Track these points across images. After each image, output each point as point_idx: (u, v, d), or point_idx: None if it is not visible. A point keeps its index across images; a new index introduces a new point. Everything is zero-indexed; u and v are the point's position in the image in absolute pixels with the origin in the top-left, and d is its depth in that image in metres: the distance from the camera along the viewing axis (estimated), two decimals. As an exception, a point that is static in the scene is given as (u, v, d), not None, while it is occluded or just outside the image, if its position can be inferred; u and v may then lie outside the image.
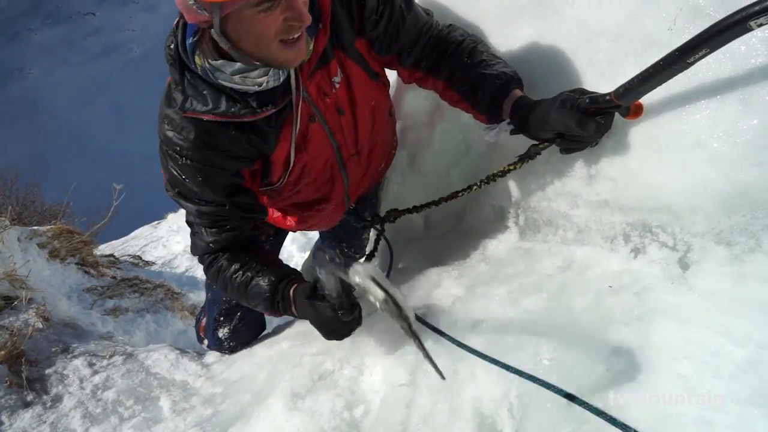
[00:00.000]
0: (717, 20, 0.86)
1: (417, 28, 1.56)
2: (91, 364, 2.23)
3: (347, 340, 1.58)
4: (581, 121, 1.17)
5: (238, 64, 1.32)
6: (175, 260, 6.55)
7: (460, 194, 1.69)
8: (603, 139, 1.25)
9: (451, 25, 1.62)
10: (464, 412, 1.13)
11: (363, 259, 2.41)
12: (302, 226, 2.08)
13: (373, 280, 0.98)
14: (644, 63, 1.02)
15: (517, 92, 1.42)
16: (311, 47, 1.39)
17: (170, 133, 1.45)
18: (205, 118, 1.39)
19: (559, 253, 1.46)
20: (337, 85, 1.54)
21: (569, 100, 1.20)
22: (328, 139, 1.62)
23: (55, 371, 2.17)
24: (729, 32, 0.85)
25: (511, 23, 1.57)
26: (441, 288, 1.61)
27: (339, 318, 1.37)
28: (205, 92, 1.38)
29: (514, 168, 1.47)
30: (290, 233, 2.53)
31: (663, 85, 1.03)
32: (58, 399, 2.01)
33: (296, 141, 1.54)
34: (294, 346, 1.85)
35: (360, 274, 1.00)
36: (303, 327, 1.99)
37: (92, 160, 39.81)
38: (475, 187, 1.63)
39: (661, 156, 1.14)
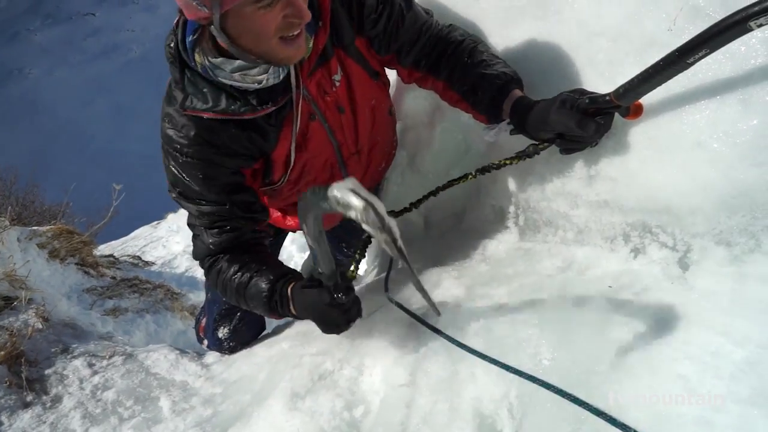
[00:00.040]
0: (717, 21, 0.86)
1: (416, 27, 1.56)
2: (90, 365, 2.23)
3: (347, 341, 1.58)
4: (581, 122, 1.17)
5: (238, 62, 1.32)
6: (174, 260, 6.55)
7: (454, 183, 1.63)
8: (603, 139, 1.25)
9: (451, 25, 1.63)
10: (464, 412, 1.13)
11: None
12: (302, 226, 2.07)
13: (352, 191, 0.91)
14: (644, 63, 1.02)
15: (517, 92, 1.42)
16: (311, 45, 1.39)
17: (171, 132, 1.45)
18: (206, 116, 1.39)
19: (559, 253, 1.46)
20: (338, 84, 1.54)
21: (569, 101, 1.20)
22: (328, 138, 1.62)
23: (55, 372, 2.17)
24: (729, 33, 0.85)
25: (511, 23, 1.57)
26: (441, 288, 1.61)
27: (335, 303, 1.31)
28: (205, 90, 1.38)
29: (511, 162, 1.46)
30: (290, 233, 2.53)
31: (663, 85, 1.03)
32: (57, 399, 2.01)
33: (297, 139, 1.54)
34: (294, 347, 1.85)
35: (338, 188, 0.92)
36: (303, 327, 1.99)
37: (92, 160, 39.79)
38: (470, 176, 1.57)
39: (660, 156, 1.14)
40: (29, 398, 2.00)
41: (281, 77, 1.38)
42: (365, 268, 3.24)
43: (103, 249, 6.65)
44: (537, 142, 1.37)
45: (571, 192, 1.42)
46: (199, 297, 4.50)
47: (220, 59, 1.33)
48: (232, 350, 2.28)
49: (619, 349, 1.02)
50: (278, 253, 2.43)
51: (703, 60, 0.92)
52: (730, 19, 0.84)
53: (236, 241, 1.61)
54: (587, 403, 0.92)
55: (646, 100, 1.11)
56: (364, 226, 0.92)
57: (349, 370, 1.49)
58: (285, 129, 1.50)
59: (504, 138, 1.49)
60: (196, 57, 1.35)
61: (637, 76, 1.04)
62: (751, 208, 1.01)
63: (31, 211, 9.76)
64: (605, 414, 0.88)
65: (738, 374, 0.86)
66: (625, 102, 1.11)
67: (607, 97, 1.13)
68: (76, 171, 30.41)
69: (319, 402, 1.41)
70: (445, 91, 1.62)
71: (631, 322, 1.07)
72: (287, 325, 2.22)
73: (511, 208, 1.71)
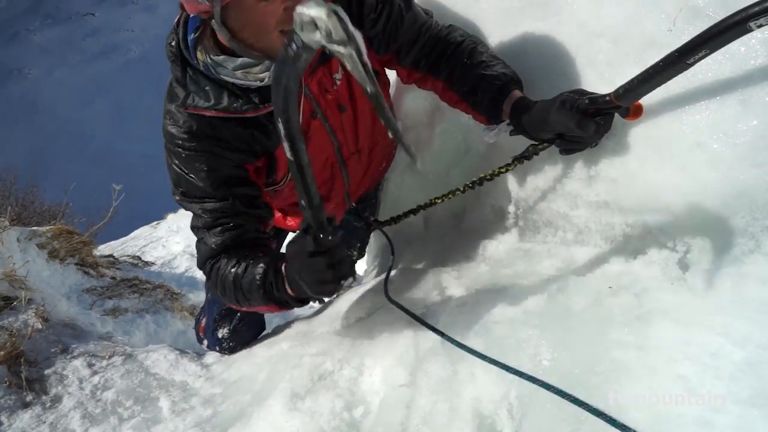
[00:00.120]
0: (716, 21, 0.86)
1: (416, 27, 1.56)
2: (90, 365, 2.23)
3: (347, 340, 1.58)
4: (581, 122, 1.17)
5: (240, 60, 1.32)
6: (174, 260, 6.55)
7: (450, 196, 1.62)
8: (603, 139, 1.25)
9: (450, 25, 1.63)
10: (464, 412, 1.13)
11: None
12: (302, 226, 2.07)
13: (314, 1, 0.81)
14: (644, 64, 1.02)
15: (517, 93, 1.42)
16: None
17: (172, 128, 1.45)
18: (207, 113, 1.39)
19: (559, 253, 1.46)
20: (338, 82, 1.54)
21: (569, 101, 1.21)
22: (328, 137, 1.62)
23: (55, 372, 2.17)
24: (729, 33, 0.85)
25: (510, 23, 1.57)
26: (441, 288, 1.61)
27: (320, 248, 1.14)
28: (207, 88, 1.38)
29: (506, 170, 1.46)
30: (290, 233, 2.53)
31: (663, 86, 1.03)
32: (57, 399, 2.01)
33: None
34: (294, 347, 1.85)
35: (298, 10, 0.83)
36: (303, 327, 1.99)
37: (92, 160, 39.80)
38: (467, 189, 1.55)
39: (660, 157, 1.15)
40: (29, 398, 1.99)
41: None
42: (365, 268, 3.24)
43: (103, 249, 6.64)
44: (537, 143, 1.37)
45: (571, 192, 1.42)
46: (198, 297, 4.49)
47: (222, 57, 1.33)
48: (232, 350, 2.28)
49: (618, 349, 1.02)
50: (278, 253, 2.44)
51: (702, 60, 0.93)
52: (729, 19, 0.84)
53: (239, 239, 1.56)
54: (587, 404, 0.92)
55: (645, 100, 1.11)
56: (330, 47, 0.83)
57: (349, 371, 1.49)
58: None
59: (504, 139, 1.49)
60: (198, 55, 1.35)
61: (636, 77, 1.04)
62: (751, 208, 1.01)
63: (30, 212, 9.74)
64: (605, 414, 0.88)
65: (738, 375, 0.86)
66: (625, 102, 1.11)
67: (607, 98, 1.13)
68: (76, 171, 30.40)
69: (319, 402, 1.41)
70: (445, 92, 1.62)
71: (630, 322, 1.07)
72: (287, 325, 2.22)
73: (511, 209, 1.71)
